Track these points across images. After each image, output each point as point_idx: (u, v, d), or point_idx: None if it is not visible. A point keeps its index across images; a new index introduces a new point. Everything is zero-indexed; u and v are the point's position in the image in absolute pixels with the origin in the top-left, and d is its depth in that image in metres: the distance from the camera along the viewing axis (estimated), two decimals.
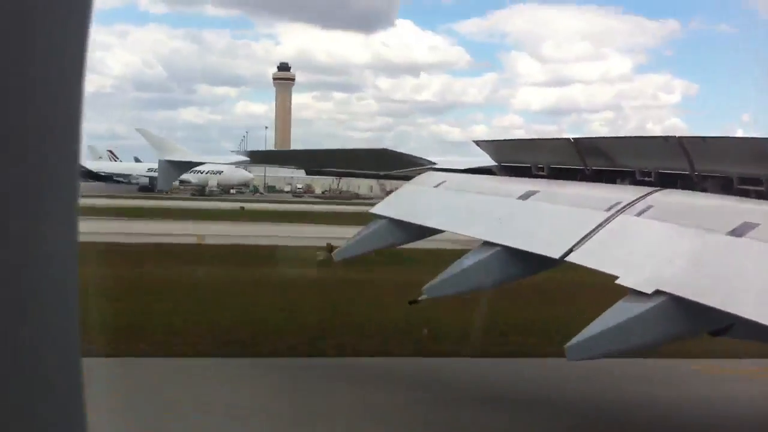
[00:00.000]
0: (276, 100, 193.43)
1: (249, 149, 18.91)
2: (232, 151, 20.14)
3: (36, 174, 1.07)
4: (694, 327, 6.75)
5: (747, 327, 6.12)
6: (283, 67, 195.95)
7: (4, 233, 1.04)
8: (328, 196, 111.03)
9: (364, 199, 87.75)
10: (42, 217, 1.08)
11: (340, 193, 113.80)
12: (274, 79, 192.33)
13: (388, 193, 17.51)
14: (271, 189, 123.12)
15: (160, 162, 19.28)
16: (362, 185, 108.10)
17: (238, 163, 19.01)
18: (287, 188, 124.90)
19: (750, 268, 6.41)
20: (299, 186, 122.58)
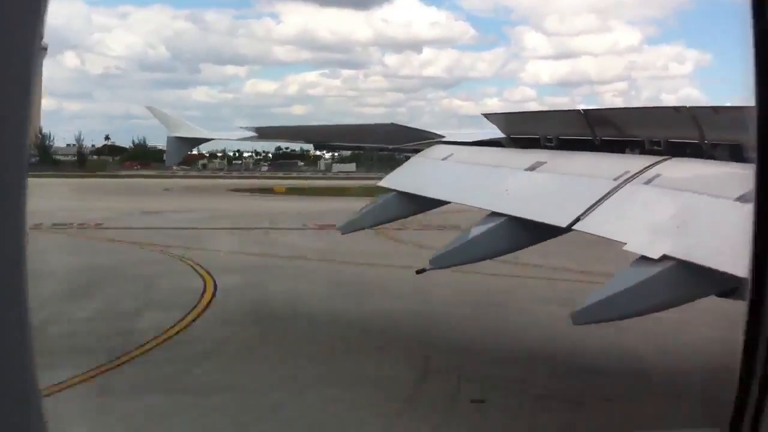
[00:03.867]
0: None
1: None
2: (240, 127, 20.09)
3: None
4: (701, 290, 6.71)
5: None
6: None
7: None
8: None
9: None
10: None
11: None
12: None
13: None
14: None
15: (168, 138, 19.30)
16: None
17: (245, 139, 18.99)
18: None
19: None
20: None
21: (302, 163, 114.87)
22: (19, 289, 1.01)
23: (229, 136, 21.31)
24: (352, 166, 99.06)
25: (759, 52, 1.70)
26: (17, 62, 1.00)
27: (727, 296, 6.58)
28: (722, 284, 6.40)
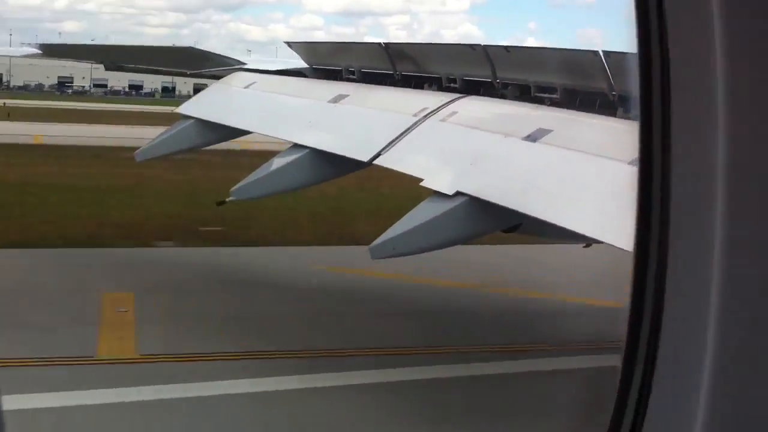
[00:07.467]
0: None
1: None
2: (23, 44, 18.54)
3: None
4: (490, 226, 7.16)
5: (534, 224, 6.61)
6: None
7: None
8: None
9: None
10: None
11: None
12: None
13: None
14: None
15: None
16: None
17: (29, 56, 17.56)
18: None
19: (541, 172, 6.83)
20: None
21: None
22: None
23: (10, 53, 19.63)
24: None
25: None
26: None
27: (511, 231, 7.08)
28: (508, 221, 6.87)
